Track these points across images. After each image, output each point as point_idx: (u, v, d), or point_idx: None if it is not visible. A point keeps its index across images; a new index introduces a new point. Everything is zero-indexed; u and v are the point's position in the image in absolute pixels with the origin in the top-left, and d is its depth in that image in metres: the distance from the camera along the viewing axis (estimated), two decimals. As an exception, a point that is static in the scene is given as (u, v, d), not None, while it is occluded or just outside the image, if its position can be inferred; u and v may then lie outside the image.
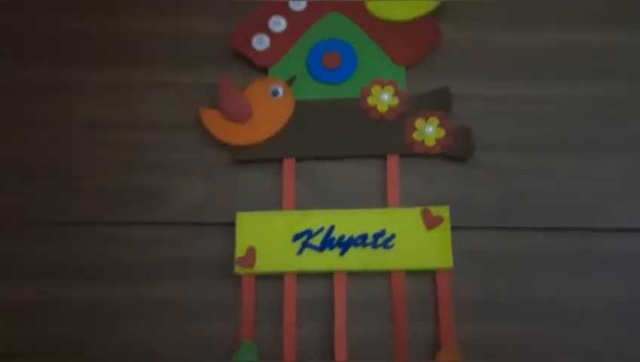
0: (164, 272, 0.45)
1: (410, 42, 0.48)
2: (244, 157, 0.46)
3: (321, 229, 0.44)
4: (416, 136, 0.46)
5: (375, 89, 0.47)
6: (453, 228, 0.44)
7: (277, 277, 0.44)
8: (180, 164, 0.47)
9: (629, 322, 0.43)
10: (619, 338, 0.42)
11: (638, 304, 0.43)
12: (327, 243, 0.44)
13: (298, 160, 0.46)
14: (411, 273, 0.44)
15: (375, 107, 0.46)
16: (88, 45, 0.50)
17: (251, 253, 0.44)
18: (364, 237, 0.44)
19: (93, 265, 0.45)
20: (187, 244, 0.45)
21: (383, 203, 0.45)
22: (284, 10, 0.49)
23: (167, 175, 0.47)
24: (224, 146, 0.46)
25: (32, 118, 0.48)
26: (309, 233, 0.44)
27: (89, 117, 0.48)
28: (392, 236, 0.44)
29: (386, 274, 0.44)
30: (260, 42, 0.48)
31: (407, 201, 0.45)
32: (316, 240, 0.44)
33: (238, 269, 0.44)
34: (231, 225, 0.45)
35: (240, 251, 0.44)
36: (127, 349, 0.43)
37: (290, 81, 0.47)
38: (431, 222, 0.44)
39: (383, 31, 0.48)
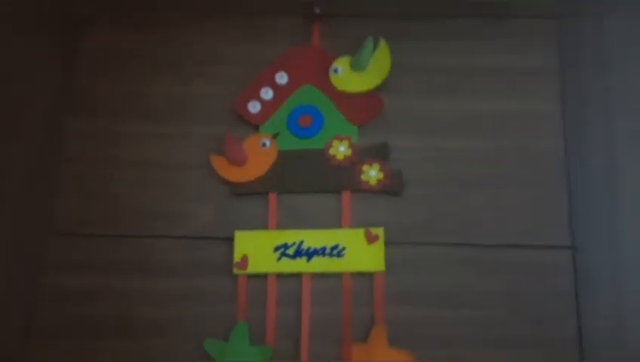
0: (184, 270, 0.64)
1: (361, 108, 0.66)
2: (241, 191, 0.65)
3: (294, 243, 0.63)
4: (363, 177, 0.64)
5: (335, 142, 0.65)
6: (387, 243, 0.62)
7: (263, 277, 0.63)
8: (195, 194, 0.66)
9: (513, 311, 0.61)
10: (504, 322, 0.60)
11: (520, 297, 0.61)
12: (298, 253, 0.63)
13: (279, 193, 0.65)
14: (356, 275, 0.62)
15: (334, 156, 0.65)
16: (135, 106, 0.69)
17: (245, 259, 0.63)
18: (324, 249, 0.62)
19: (141, 264, 0.64)
20: (199, 252, 0.64)
21: (338, 225, 0.64)
22: (271, 83, 0.67)
23: (186, 202, 0.66)
24: (227, 182, 0.65)
25: (107, 158, 0.67)
26: (285, 246, 0.63)
27: (138, 157, 0.67)
28: (344, 248, 0.62)
29: (339, 276, 0.62)
30: (254, 107, 0.67)
31: (354, 224, 0.63)
32: (290, 251, 0.63)
33: (235, 271, 0.62)
34: (230, 239, 0.63)
35: (237, 258, 0.63)
36: (152, 323, 0.62)
37: (274, 136, 0.66)
38: (371, 239, 0.62)
39: (343, 99, 0.67)
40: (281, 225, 0.64)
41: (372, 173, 0.64)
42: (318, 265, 0.62)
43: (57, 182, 0.66)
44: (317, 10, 0.68)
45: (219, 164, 0.65)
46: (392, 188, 0.64)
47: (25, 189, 0.64)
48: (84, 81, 0.69)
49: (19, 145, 0.64)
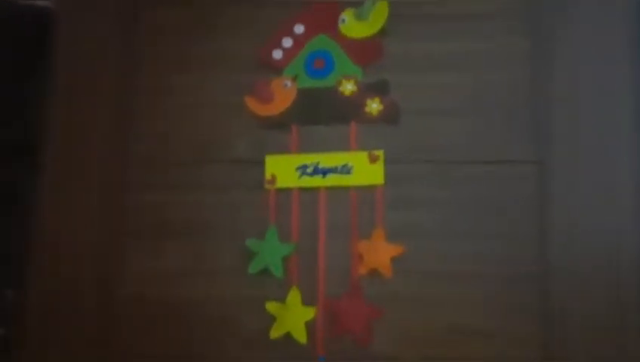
0: (228, 187, 0.81)
1: (365, 51, 0.80)
2: (269, 123, 0.81)
3: (312, 164, 0.79)
4: (367, 109, 0.79)
5: (343, 81, 0.79)
6: (386, 162, 0.77)
7: (288, 191, 0.79)
8: (234, 128, 0.82)
9: (483, 214, 0.75)
10: (474, 220, 0.75)
11: (489, 202, 0.75)
12: (316, 172, 0.79)
13: (300, 124, 0.80)
14: (361, 188, 0.78)
15: (343, 92, 0.79)
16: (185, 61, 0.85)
17: (273, 177, 0.79)
18: (336, 168, 0.78)
19: (197, 183, 0.83)
20: (239, 173, 0.81)
21: (347, 148, 0.79)
22: (290, 33, 0.82)
23: (227, 134, 0.82)
24: (258, 117, 0.81)
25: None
26: (305, 166, 0.79)
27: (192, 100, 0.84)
28: (351, 167, 0.78)
29: (348, 189, 0.78)
30: (277, 54, 0.82)
31: (360, 147, 0.79)
32: (309, 170, 0.79)
33: (267, 186, 0.80)
34: (262, 162, 0.80)
35: (267, 176, 0.80)
36: (204, 227, 0.81)
37: (294, 78, 0.81)
38: (373, 159, 0.78)
39: (349, 44, 0.80)
40: (302, 150, 0.80)
41: (374, 106, 0.78)
42: (332, 181, 0.78)
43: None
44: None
45: (252, 103, 0.81)
46: (390, 118, 0.78)
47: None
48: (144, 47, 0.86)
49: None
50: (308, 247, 0.78)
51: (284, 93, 0.81)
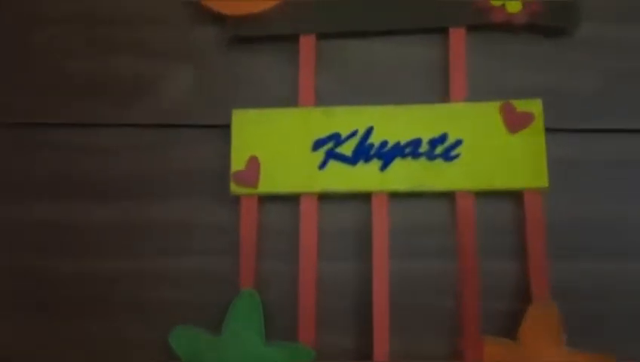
0: (140, 187, 0.32)
1: None
2: (246, 33, 0.33)
3: (354, 133, 0.31)
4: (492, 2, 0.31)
5: None
6: (547, 130, 0.30)
7: (290, 200, 0.31)
8: (159, 45, 0.34)
9: None
10: None
11: None
12: (363, 153, 0.31)
13: (320, 37, 0.33)
14: (484, 194, 0.30)
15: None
16: None
17: (254, 165, 0.31)
18: (415, 143, 0.31)
19: (49, 177, 0.33)
20: (168, 153, 0.33)
21: (444, 95, 0.32)
22: None
23: (140, 60, 0.34)
24: (218, 19, 0.33)
25: None
26: (336, 138, 0.31)
27: None
28: (458, 143, 0.30)
29: (448, 196, 0.31)
30: None
31: (478, 94, 0.31)
32: (346, 149, 0.31)
33: (235, 188, 0.31)
34: (226, 127, 0.32)
35: (237, 163, 0.31)
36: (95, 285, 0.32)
37: None
38: (515, 123, 0.30)
39: None
40: (327, 99, 0.32)
41: (512, -8, 0.31)
42: (404, 176, 0.30)
43: None
44: None
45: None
46: (553, 19, 0.31)
47: None
48: None
49: None
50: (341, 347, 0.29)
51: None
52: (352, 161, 0.31)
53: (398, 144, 0.31)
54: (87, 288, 0.32)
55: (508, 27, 0.32)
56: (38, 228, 0.33)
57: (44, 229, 0.33)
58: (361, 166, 0.31)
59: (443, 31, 0.32)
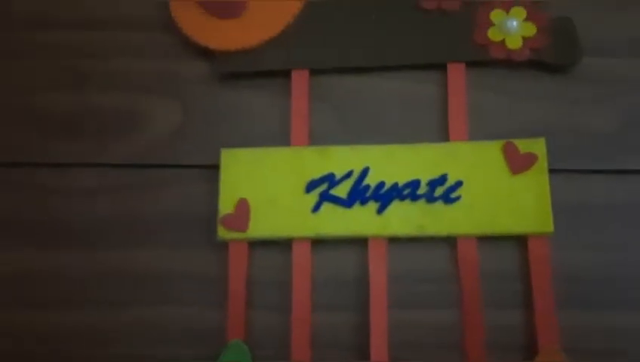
0: (121, 233, 0.30)
1: None
2: (236, 68, 0.31)
3: (350, 174, 0.29)
4: (492, 34, 0.30)
5: (428, -34, 0.31)
6: (551, 171, 0.29)
7: (282, 245, 0.29)
8: (142, 81, 0.32)
9: None
10: None
11: None
12: (359, 195, 0.29)
13: (314, 72, 0.31)
14: (487, 240, 0.29)
15: (425, -4, 0.31)
16: None
17: (243, 208, 0.29)
18: (414, 184, 0.29)
19: (22, 222, 0.31)
20: (151, 195, 0.31)
21: (443, 135, 0.30)
22: None
23: (121, 96, 0.32)
24: (205, 53, 0.31)
25: None
26: (330, 179, 0.29)
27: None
28: (458, 184, 0.29)
29: (449, 242, 0.29)
30: None
31: (479, 133, 0.30)
32: (341, 191, 0.29)
33: (223, 232, 0.29)
34: (214, 167, 0.30)
35: (226, 206, 0.29)
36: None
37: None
38: (518, 163, 0.29)
39: None
40: (320, 138, 0.30)
41: (512, 26, 0.30)
42: (403, 219, 0.29)
43: None
44: None
45: (187, 15, 0.31)
46: (555, 56, 0.30)
47: None
48: None
49: None
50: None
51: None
52: (347, 203, 0.29)
53: (395, 185, 0.29)
54: (62, 342, 0.30)
55: (508, 63, 0.31)
56: (5, 277, 0.30)
57: (11, 279, 0.30)
58: (357, 209, 0.29)
59: (442, 67, 0.31)
